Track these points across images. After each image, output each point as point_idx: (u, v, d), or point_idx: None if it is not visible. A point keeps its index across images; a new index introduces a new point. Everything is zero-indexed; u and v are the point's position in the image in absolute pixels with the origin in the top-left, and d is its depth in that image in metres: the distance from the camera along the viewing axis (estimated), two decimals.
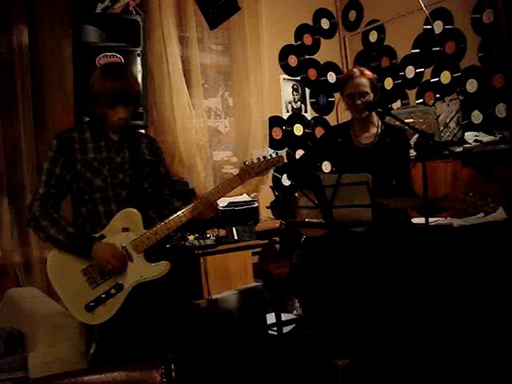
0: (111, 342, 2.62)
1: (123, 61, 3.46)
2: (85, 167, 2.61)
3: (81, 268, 2.56)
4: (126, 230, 2.60)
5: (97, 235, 2.58)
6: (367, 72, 3.37)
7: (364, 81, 3.32)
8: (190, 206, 2.66)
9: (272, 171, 5.37)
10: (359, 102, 3.31)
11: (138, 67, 3.55)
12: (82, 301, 2.54)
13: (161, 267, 2.60)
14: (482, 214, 3.08)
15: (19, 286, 3.72)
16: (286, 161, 5.52)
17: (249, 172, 2.74)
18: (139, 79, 3.55)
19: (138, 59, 3.56)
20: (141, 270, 2.58)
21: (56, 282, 2.59)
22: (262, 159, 2.76)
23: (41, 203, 2.58)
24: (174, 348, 2.59)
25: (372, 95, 3.33)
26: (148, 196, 2.76)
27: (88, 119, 2.85)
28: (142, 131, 3.31)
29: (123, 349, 2.56)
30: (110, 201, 2.63)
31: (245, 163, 2.76)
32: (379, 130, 3.39)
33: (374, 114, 3.41)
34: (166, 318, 2.66)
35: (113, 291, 2.55)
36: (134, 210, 2.62)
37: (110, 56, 3.44)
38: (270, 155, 2.80)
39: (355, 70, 3.41)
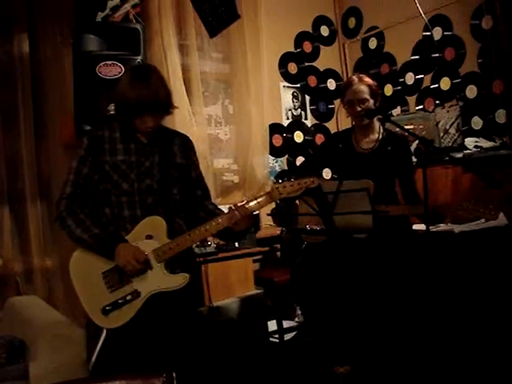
0: (121, 347, 2.61)
1: (123, 69, 3.46)
2: (113, 169, 2.60)
3: (102, 270, 2.56)
4: (149, 237, 2.58)
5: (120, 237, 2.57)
6: (366, 79, 3.38)
7: (363, 87, 3.33)
8: (222, 216, 2.60)
9: (273, 179, 5.37)
10: (359, 108, 3.32)
11: None
12: (99, 303, 2.53)
13: (179, 280, 2.56)
14: (482, 220, 3.08)
15: (20, 295, 3.72)
16: (286, 167, 5.53)
17: (280, 191, 2.61)
18: None
19: None
20: (159, 280, 2.55)
21: (77, 281, 2.59)
22: (295, 179, 2.62)
23: (68, 202, 2.58)
24: (175, 356, 2.59)
25: (372, 102, 3.34)
26: (176, 202, 2.71)
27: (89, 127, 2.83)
28: None
29: (131, 355, 2.54)
30: (135, 206, 2.61)
31: (278, 181, 2.64)
32: (380, 137, 3.40)
33: (375, 120, 3.41)
34: (176, 328, 2.64)
35: (129, 297, 2.53)
36: (160, 218, 2.59)
37: (110, 65, 3.45)
38: (306, 176, 2.62)
39: (354, 77, 3.42)
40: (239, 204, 2.60)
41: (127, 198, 2.61)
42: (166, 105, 2.59)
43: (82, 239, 2.54)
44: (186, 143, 2.83)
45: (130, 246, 2.54)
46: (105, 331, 3.29)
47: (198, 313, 3.73)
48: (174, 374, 1.55)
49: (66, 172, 2.65)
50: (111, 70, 3.43)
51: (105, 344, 2.70)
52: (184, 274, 2.57)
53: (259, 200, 2.63)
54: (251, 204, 2.61)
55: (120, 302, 2.53)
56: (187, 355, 2.66)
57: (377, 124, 3.43)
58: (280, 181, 2.63)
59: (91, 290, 2.56)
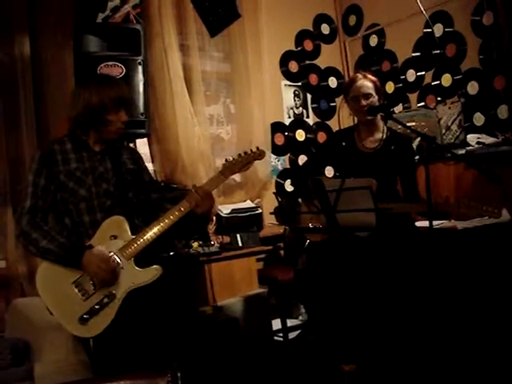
0: (108, 352, 2.59)
1: (124, 70, 3.48)
2: (68, 177, 2.63)
3: (71, 280, 2.54)
4: (113, 237, 2.60)
5: (86, 245, 2.57)
6: (370, 76, 3.39)
7: (367, 83, 3.34)
8: (182, 202, 2.67)
9: (275, 177, 5.38)
10: (364, 103, 3.31)
11: (139, 76, 3.57)
12: (75, 314, 2.50)
13: (152, 272, 2.58)
14: (486, 217, 3.07)
15: (24, 297, 3.72)
16: (288, 166, 5.53)
17: (230, 168, 2.78)
18: (140, 88, 3.57)
19: (139, 68, 3.57)
20: (132, 277, 2.56)
21: (47, 297, 2.55)
22: (244, 154, 2.81)
23: (29, 217, 2.58)
24: (179, 356, 2.59)
25: (376, 98, 3.34)
26: (133, 205, 2.76)
27: None
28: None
29: (121, 358, 2.53)
30: (95, 210, 2.64)
31: (226, 160, 2.80)
32: (384, 136, 3.40)
33: (379, 118, 3.42)
34: (165, 324, 2.65)
35: (105, 300, 2.52)
36: (121, 217, 2.62)
37: (111, 65, 3.46)
38: (251, 150, 2.83)
39: (358, 74, 3.43)
40: (197, 186, 2.74)
41: (86, 204, 2.64)
42: (130, 104, 2.82)
43: (48, 250, 2.52)
44: (133, 153, 2.94)
45: (97, 251, 2.53)
46: None
47: (194, 309, 3.75)
48: (179, 374, 1.55)
49: (23, 187, 2.67)
50: (112, 71, 3.43)
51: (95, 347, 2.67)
52: (155, 266, 2.59)
53: (212, 178, 2.80)
54: (207, 183, 2.76)
55: (96, 307, 2.51)
56: (189, 354, 2.67)
57: (380, 122, 3.43)
58: (227, 159, 2.81)
59: (64, 302, 2.52)
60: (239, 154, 2.82)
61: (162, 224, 2.62)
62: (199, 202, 2.67)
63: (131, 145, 3.87)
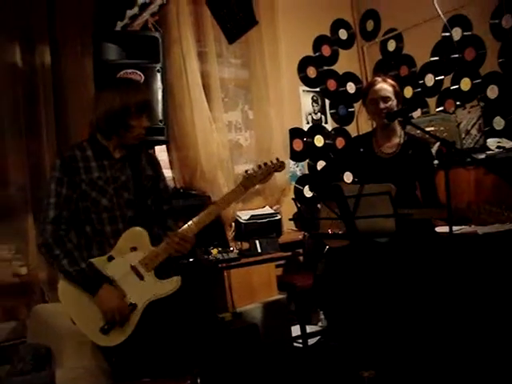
0: (128, 359, 2.61)
1: (143, 77, 3.51)
2: (90, 187, 2.63)
3: None
4: (134, 249, 2.62)
5: (105, 256, 2.59)
6: (390, 80, 3.38)
7: (386, 86, 3.33)
8: (202, 213, 2.67)
9: (294, 183, 5.38)
10: (383, 106, 3.30)
11: (158, 83, 3.59)
12: (96, 324, 2.52)
13: (172, 283, 2.60)
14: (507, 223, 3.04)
15: (45, 303, 3.75)
16: (307, 172, 5.53)
17: (251, 180, 2.77)
18: (159, 95, 3.59)
19: (158, 75, 3.60)
20: (152, 288, 2.59)
21: (69, 308, 2.59)
22: (263, 166, 2.80)
23: (54, 229, 2.57)
24: (199, 362, 2.59)
25: (395, 101, 3.33)
26: (151, 213, 2.77)
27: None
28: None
29: (141, 365, 2.55)
30: (117, 221, 2.65)
31: (246, 172, 2.79)
32: (402, 141, 3.39)
33: (396, 123, 3.40)
34: (185, 331, 2.65)
35: (126, 312, 2.54)
36: (140, 228, 2.63)
37: (130, 73, 3.48)
38: (271, 161, 2.82)
39: (377, 77, 3.42)
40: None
41: (108, 214, 2.64)
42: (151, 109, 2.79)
43: (67, 272, 2.53)
44: (152, 159, 2.92)
45: (115, 291, 2.54)
46: None
47: (214, 315, 3.75)
48: (199, 380, 1.56)
49: (44, 196, 2.65)
50: (132, 78, 3.46)
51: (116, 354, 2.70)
52: (175, 277, 2.61)
53: (234, 189, 2.79)
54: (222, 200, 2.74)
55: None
56: (209, 360, 2.67)
57: (398, 127, 3.42)
58: (248, 170, 2.80)
59: (85, 313, 2.55)
60: (259, 166, 2.81)
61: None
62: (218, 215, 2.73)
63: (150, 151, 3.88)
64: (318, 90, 5.76)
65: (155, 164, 2.91)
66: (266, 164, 2.81)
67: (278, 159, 2.84)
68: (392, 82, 3.37)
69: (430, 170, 3.38)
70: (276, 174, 4.49)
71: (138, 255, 2.60)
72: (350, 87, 5.95)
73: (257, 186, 2.81)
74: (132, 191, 2.70)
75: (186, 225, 2.67)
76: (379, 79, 3.38)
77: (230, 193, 2.78)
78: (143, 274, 2.59)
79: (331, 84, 5.84)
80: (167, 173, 4.31)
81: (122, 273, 2.59)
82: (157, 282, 2.60)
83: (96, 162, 2.68)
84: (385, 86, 3.34)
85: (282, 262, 4.91)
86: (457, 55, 5.00)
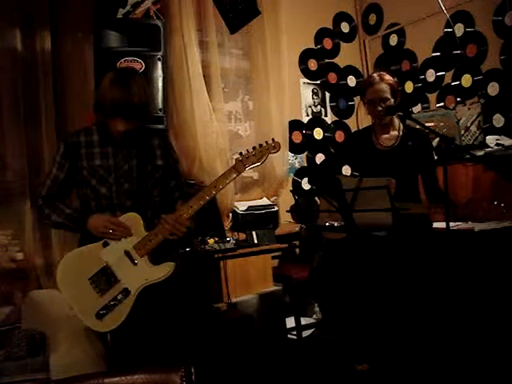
0: (124, 346, 2.64)
1: (144, 65, 3.49)
2: (90, 174, 2.64)
3: (88, 277, 2.58)
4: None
5: (101, 242, 2.61)
6: (387, 77, 3.37)
7: (384, 86, 3.33)
8: (194, 197, 2.64)
9: (292, 175, 5.37)
10: (380, 107, 3.31)
11: (159, 72, 3.58)
12: (92, 309, 2.55)
13: (165, 268, 2.59)
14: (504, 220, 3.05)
15: (41, 288, 3.75)
16: (305, 164, 5.53)
17: (244, 162, 2.69)
18: (159, 84, 3.57)
19: (159, 64, 3.58)
20: (145, 273, 2.59)
21: (66, 293, 2.62)
22: (258, 147, 2.72)
23: (44, 196, 2.70)
24: (193, 351, 2.60)
25: (392, 100, 3.33)
26: (154, 204, 2.74)
27: None
28: None
29: (136, 353, 2.57)
30: (115, 209, 2.66)
31: (240, 154, 2.72)
32: (401, 133, 3.39)
33: (395, 117, 3.41)
34: (179, 320, 2.66)
35: (120, 297, 2.56)
36: (135, 214, 2.63)
37: (130, 61, 3.47)
38: (266, 142, 2.74)
39: (375, 75, 3.41)
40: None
41: (107, 202, 2.66)
42: (140, 112, 2.58)
43: (58, 223, 2.67)
44: (164, 143, 2.85)
45: (98, 215, 2.61)
46: None
47: (208, 305, 3.76)
48: (193, 369, 1.56)
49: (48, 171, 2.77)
50: (132, 66, 3.44)
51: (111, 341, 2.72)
52: (168, 263, 2.60)
53: (225, 173, 2.70)
54: (211, 185, 2.68)
55: (112, 303, 2.56)
56: (203, 350, 2.68)
57: (396, 121, 3.42)
58: (242, 152, 2.70)
59: (82, 297, 2.58)
60: (254, 147, 2.73)
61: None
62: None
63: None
64: (318, 82, 5.75)
65: (168, 154, 2.83)
66: (260, 145, 2.71)
67: (273, 139, 2.72)
68: (389, 80, 3.36)
69: (430, 160, 3.38)
70: (275, 165, 4.51)
71: (132, 240, 2.61)
72: (351, 81, 5.94)
73: (251, 166, 2.70)
74: (135, 181, 2.67)
75: (179, 208, 2.67)
76: (377, 78, 3.37)
77: (221, 176, 2.70)
78: (136, 258, 2.59)
79: (332, 77, 5.83)
80: None
81: (115, 258, 2.60)
82: (150, 267, 2.59)
83: (100, 149, 2.66)
84: (382, 87, 3.33)
85: (278, 253, 4.92)
86: (458, 51, 4.99)
